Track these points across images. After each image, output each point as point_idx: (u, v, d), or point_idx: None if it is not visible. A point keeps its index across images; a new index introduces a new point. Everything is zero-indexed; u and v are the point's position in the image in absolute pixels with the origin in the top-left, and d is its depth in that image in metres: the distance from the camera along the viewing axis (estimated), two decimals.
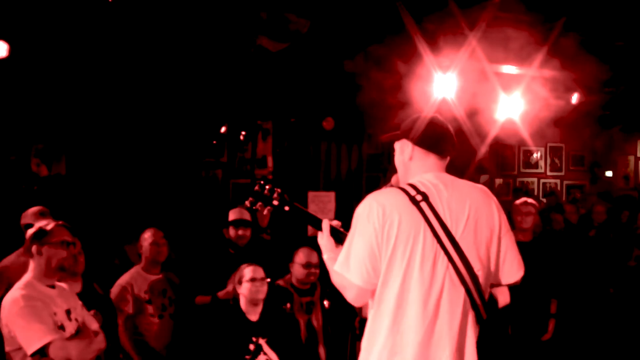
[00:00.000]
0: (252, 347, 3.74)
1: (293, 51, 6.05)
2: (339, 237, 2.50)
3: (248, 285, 3.90)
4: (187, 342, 4.38)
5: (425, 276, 2.21)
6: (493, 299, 2.43)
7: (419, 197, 2.26)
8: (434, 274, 2.22)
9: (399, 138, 2.49)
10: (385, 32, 6.02)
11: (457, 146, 2.47)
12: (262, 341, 3.78)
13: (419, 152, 2.42)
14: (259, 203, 2.57)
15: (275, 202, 2.56)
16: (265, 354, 3.75)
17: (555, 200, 8.94)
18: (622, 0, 5.91)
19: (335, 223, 2.54)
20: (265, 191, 2.55)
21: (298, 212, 2.59)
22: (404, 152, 2.46)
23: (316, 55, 6.12)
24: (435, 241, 2.22)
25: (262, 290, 3.91)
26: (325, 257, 2.47)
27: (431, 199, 2.27)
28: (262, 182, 2.62)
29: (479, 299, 2.27)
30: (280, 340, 3.84)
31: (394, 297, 2.22)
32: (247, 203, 2.57)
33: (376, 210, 2.23)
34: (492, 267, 2.36)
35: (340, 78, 6.37)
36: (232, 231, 4.90)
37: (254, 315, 3.90)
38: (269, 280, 4.04)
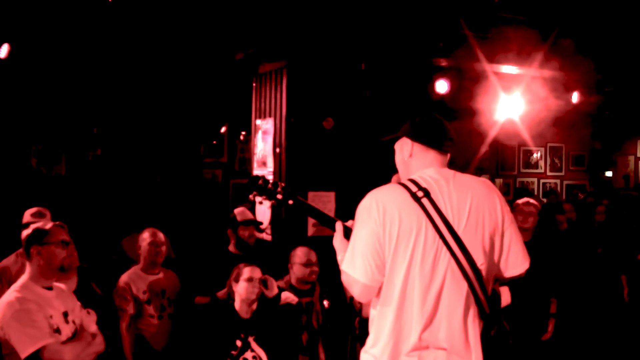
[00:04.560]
0: (239, 343, 3.76)
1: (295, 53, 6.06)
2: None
3: (245, 285, 3.91)
4: (186, 342, 4.37)
5: (425, 272, 2.23)
6: (496, 294, 2.44)
7: (420, 193, 2.27)
8: (434, 270, 2.23)
9: (398, 138, 2.51)
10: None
11: (455, 143, 2.47)
12: (250, 339, 3.79)
13: (418, 148, 2.43)
14: (263, 197, 2.53)
15: (279, 196, 2.52)
16: (252, 350, 3.76)
17: (555, 200, 8.93)
18: (621, 1, 5.92)
19: (350, 223, 2.48)
20: (269, 185, 2.53)
21: (302, 207, 2.55)
22: (403, 150, 2.48)
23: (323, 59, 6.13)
24: (437, 237, 2.23)
25: (256, 292, 3.92)
26: (339, 257, 2.44)
27: (432, 195, 2.28)
28: (264, 177, 2.58)
29: (482, 294, 2.28)
30: (271, 337, 3.85)
31: (397, 293, 2.24)
32: (251, 197, 2.51)
33: (376, 208, 2.25)
34: (496, 260, 2.37)
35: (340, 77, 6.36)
36: (242, 231, 4.85)
37: (246, 313, 3.92)
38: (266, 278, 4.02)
